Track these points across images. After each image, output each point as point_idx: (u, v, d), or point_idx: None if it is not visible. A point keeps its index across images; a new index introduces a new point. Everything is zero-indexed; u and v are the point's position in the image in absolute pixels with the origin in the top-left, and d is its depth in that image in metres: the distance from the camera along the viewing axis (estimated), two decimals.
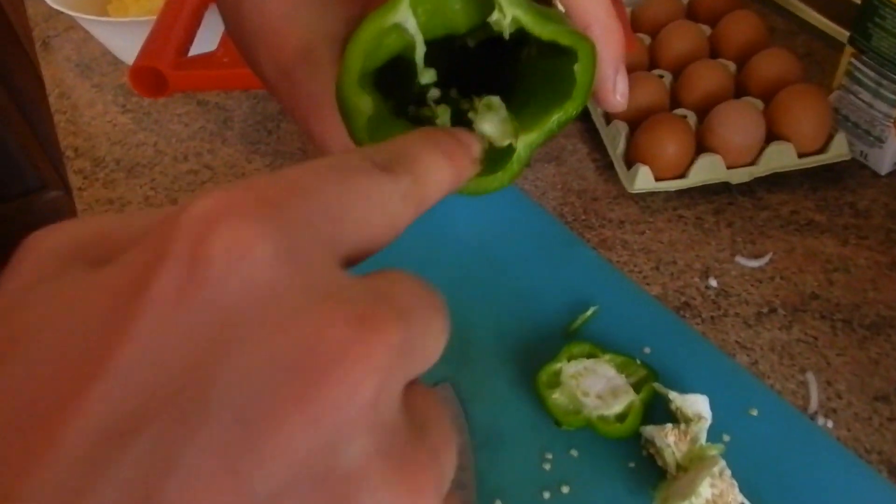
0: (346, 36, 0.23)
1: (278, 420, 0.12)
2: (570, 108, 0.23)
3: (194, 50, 0.48)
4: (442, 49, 0.23)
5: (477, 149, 0.19)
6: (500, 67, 0.26)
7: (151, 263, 0.12)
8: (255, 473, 0.12)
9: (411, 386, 0.14)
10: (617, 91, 0.26)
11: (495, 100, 0.23)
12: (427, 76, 0.24)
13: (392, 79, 0.23)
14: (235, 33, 0.27)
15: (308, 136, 0.27)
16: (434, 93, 0.24)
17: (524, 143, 0.23)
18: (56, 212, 1.50)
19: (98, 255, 0.14)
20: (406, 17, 0.22)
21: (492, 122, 0.23)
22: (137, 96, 0.64)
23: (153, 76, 0.46)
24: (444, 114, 0.24)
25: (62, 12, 0.72)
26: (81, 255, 0.14)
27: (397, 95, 0.23)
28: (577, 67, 0.23)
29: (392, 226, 0.15)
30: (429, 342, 0.14)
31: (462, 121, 0.24)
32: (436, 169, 0.17)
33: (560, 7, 0.25)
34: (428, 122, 0.24)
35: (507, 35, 0.23)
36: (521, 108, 0.24)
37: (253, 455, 0.12)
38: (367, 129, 0.22)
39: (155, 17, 0.57)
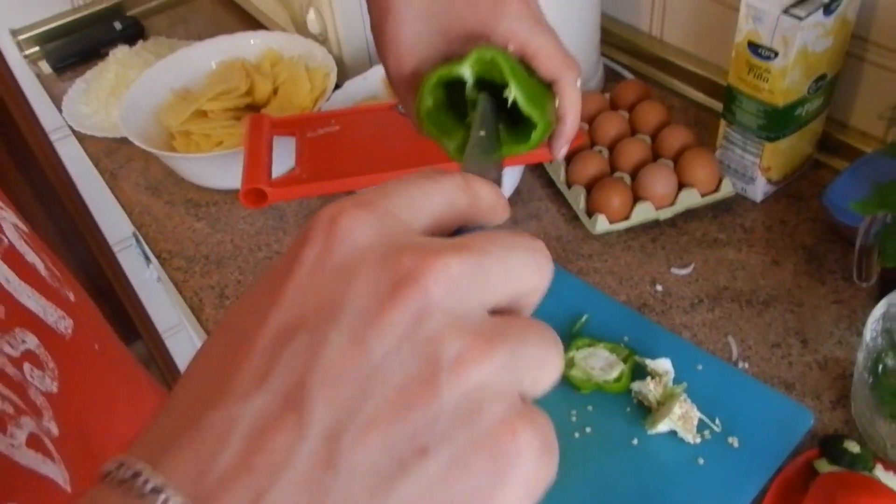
0: (440, 63, 0.41)
1: (384, 311, 0.19)
2: (524, 148, 0.41)
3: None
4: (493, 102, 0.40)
5: (497, 190, 0.26)
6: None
7: (300, 243, 0.20)
8: (374, 342, 0.18)
9: (510, 312, 0.21)
10: (561, 153, 0.44)
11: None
12: (472, 96, 0.40)
13: (454, 104, 0.41)
14: (377, 41, 0.43)
15: (407, 113, 0.43)
16: (473, 94, 0.40)
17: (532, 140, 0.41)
18: None
19: None
20: (466, 72, 0.40)
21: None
22: (206, 206, 0.82)
23: (257, 194, 0.64)
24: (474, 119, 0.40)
25: (120, 148, 0.90)
26: None
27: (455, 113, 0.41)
28: (533, 134, 0.40)
29: (451, 204, 0.22)
30: (496, 267, 0.20)
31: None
32: (476, 181, 0.24)
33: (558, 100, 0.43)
34: (467, 121, 0.40)
35: (510, 102, 0.39)
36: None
37: (371, 332, 0.18)
38: (429, 115, 0.39)
39: (222, 151, 0.76)
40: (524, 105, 0.39)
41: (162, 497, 0.17)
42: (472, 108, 0.41)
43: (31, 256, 0.40)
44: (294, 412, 0.18)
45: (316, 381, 0.18)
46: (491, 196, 0.24)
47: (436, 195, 0.22)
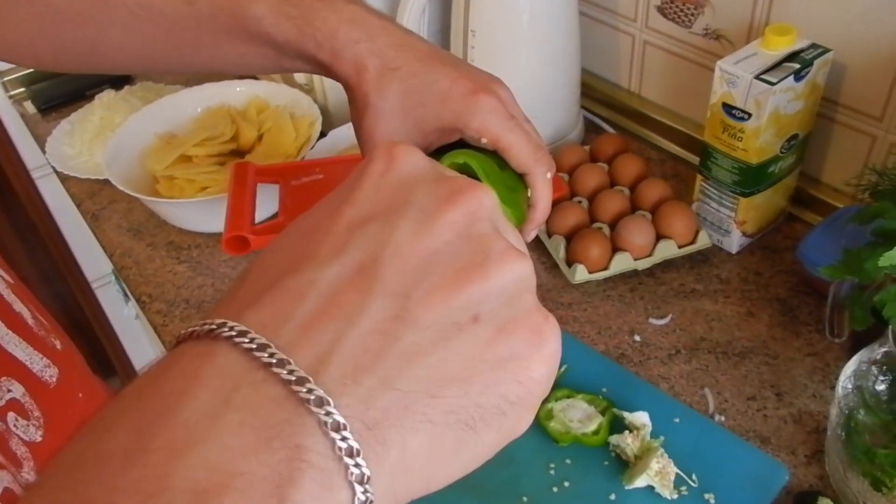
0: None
1: (444, 210, 0.23)
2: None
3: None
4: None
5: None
6: None
7: (365, 164, 0.25)
8: (436, 232, 0.23)
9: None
10: (530, 237, 0.47)
11: None
12: None
13: None
14: (357, 132, 0.45)
15: None
16: None
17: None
18: None
19: None
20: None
21: None
22: (188, 248, 0.82)
23: (239, 241, 0.65)
24: None
25: (102, 189, 0.90)
26: None
27: None
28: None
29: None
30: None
31: None
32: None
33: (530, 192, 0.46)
34: None
35: None
36: None
37: (434, 224, 0.23)
38: None
39: (206, 197, 0.76)
40: (501, 199, 0.41)
41: (247, 339, 0.20)
42: None
43: (18, 306, 0.40)
44: (367, 277, 0.21)
45: (387, 255, 0.22)
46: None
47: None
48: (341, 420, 0.19)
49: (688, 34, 0.80)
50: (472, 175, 0.41)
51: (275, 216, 0.70)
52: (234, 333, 0.20)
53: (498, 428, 0.22)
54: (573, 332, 0.69)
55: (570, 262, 0.73)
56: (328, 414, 0.19)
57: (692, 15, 0.78)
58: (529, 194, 0.44)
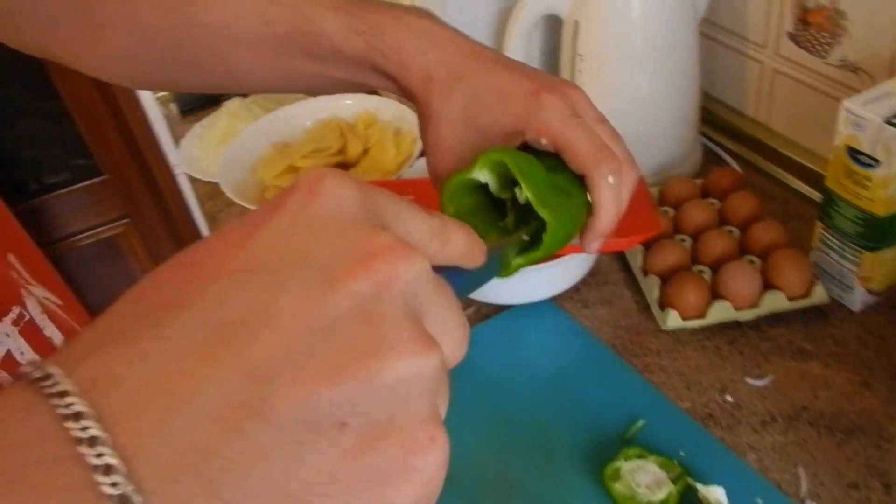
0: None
1: (348, 276, 0.19)
2: (538, 253, 0.38)
3: None
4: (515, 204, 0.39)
5: (485, 251, 0.26)
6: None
7: (284, 192, 0.21)
8: (330, 303, 0.19)
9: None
10: (591, 249, 0.43)
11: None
12: (504, 195, 0.39)
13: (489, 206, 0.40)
14: (423, 144, 0.45)
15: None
16: (503, 193, 0.40)
17: (518, 262, 0.38)
18: None
19: None
20: (481, 176, 0.38)
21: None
22: None
23: None
24: (511, 221, 0.39)
25: (222, 193, 0.95)
26: None
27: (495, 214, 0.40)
28: (545, 237, 0.38)
29: (422, 242, 0.23)
30: (444, 304, 0.22)
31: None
32: (458, 236, 0.24)
33: (590, 197, 0.41)
34: (502, 224, 0.40)
35: (522, 201, 0.38)
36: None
37: (330, 292, 0.19)
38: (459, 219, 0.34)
39: None
40: (536, 205, 0.38)
41: (63, 404, 0.17)
42: (510, 208, 0.40)
43: (51, 330, 0.42)
44: (228, 346, 0.18)
45: (259, 320, 0.18)
46: (463, 243, 0.24)
47: (417, 223, 0.23)
48: None
49: (822, 65, 0.72)
50: (509, 174, 0.38)
51: None
52: (53, 392, 0.17)
53: None
54: (658, 382, 0.64)
55: (663, 306, 0.68)
56: None
57: (827, 44, 0.70)
58: (591, 200, 0.41)
